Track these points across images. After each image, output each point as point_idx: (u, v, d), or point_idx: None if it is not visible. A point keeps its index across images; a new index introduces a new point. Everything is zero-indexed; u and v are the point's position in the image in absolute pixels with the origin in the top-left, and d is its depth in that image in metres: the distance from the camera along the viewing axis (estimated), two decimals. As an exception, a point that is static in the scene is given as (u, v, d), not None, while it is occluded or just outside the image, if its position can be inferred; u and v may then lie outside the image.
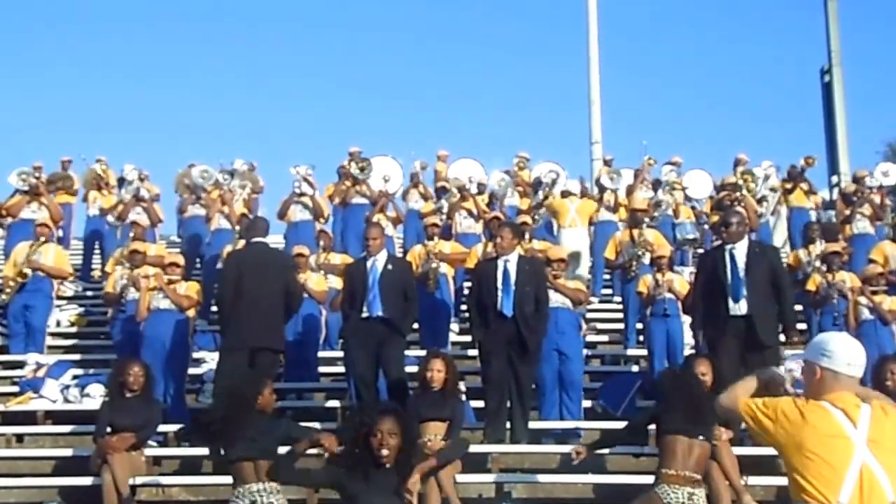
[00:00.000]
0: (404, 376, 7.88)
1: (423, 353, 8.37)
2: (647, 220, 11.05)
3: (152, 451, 7.74)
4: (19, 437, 8.55)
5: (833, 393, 3.67)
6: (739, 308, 7.41)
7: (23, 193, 12.03)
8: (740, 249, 7.56)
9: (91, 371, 9.68)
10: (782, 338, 7.63)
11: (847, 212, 12.64)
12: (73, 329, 11.76)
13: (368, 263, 8.16)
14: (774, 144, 53.03)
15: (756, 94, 53.75)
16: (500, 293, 7.78)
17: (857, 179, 13.61)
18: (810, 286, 10.29)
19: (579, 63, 19.75)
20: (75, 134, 49.14)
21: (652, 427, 6.36)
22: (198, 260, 12.56)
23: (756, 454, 6.97)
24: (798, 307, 10.87)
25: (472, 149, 27.69)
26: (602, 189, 13.12)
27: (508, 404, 7.81)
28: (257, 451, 5.60)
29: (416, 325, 9.30)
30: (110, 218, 12.91)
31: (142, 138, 47.93)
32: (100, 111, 54.84)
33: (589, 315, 11.17)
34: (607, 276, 12.69)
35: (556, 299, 8.46)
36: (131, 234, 11.03)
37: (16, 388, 9.40)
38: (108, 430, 7.35)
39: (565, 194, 12.52)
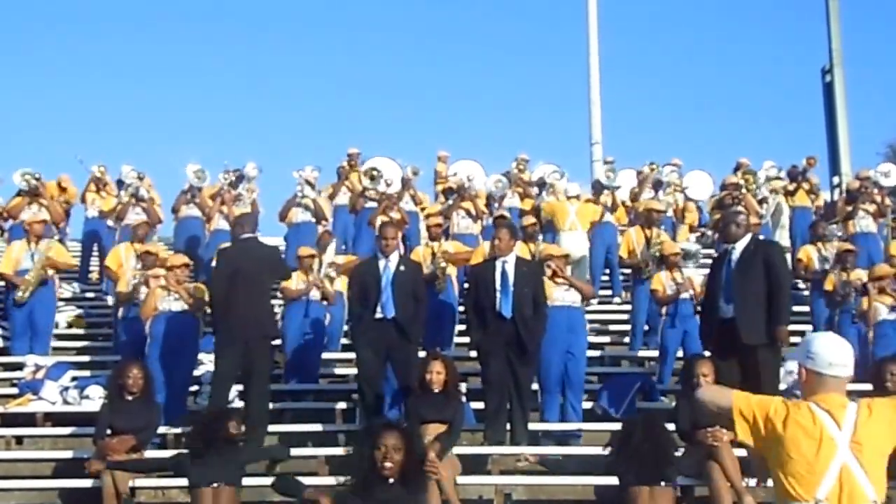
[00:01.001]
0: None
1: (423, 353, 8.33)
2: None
3: (152, 452, 7.69)
4: (19, 439, 8.52)
5: (819, 394, 3.68)
6: (729, 310, 7.23)
7: (23, 195, 12.01)
8: (738, 249, 7.44)
9: (90, 373, 9.66)
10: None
11: (849, 209, 12.61)
12: (72, 331, 11.72)
13: (381, 264, 8.01)
14: (775, 145, 53.11)
15: (757, 95, 53.73)
16: (498, 294, 7.72)
17: (861, 178, 13.55)
18: (828, 286, 10.26)
19: (579, 63, 19.70)
20: (75, 134, 49.17)
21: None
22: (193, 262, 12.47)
23: (757, 455, 6.93)
24: (804, 308, 10.87)
25: (472, 149, 27.73)
26: (600, 189, 13.02)
27: (508, 406, 7.77)
28: (218, 476, 5.95)
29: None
30: (110, 222, 12.89)
31: (142, 138, 47.93)
32: (100, 111, 54.87)
33: (588, 316, 11.12)
34: (605, 278, 12.65)
35: (566, 298, 8.41)
36: (138, 233, 10.91)
37: (15, 390, 9.38)
38: (108, 432, 7.35)
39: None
